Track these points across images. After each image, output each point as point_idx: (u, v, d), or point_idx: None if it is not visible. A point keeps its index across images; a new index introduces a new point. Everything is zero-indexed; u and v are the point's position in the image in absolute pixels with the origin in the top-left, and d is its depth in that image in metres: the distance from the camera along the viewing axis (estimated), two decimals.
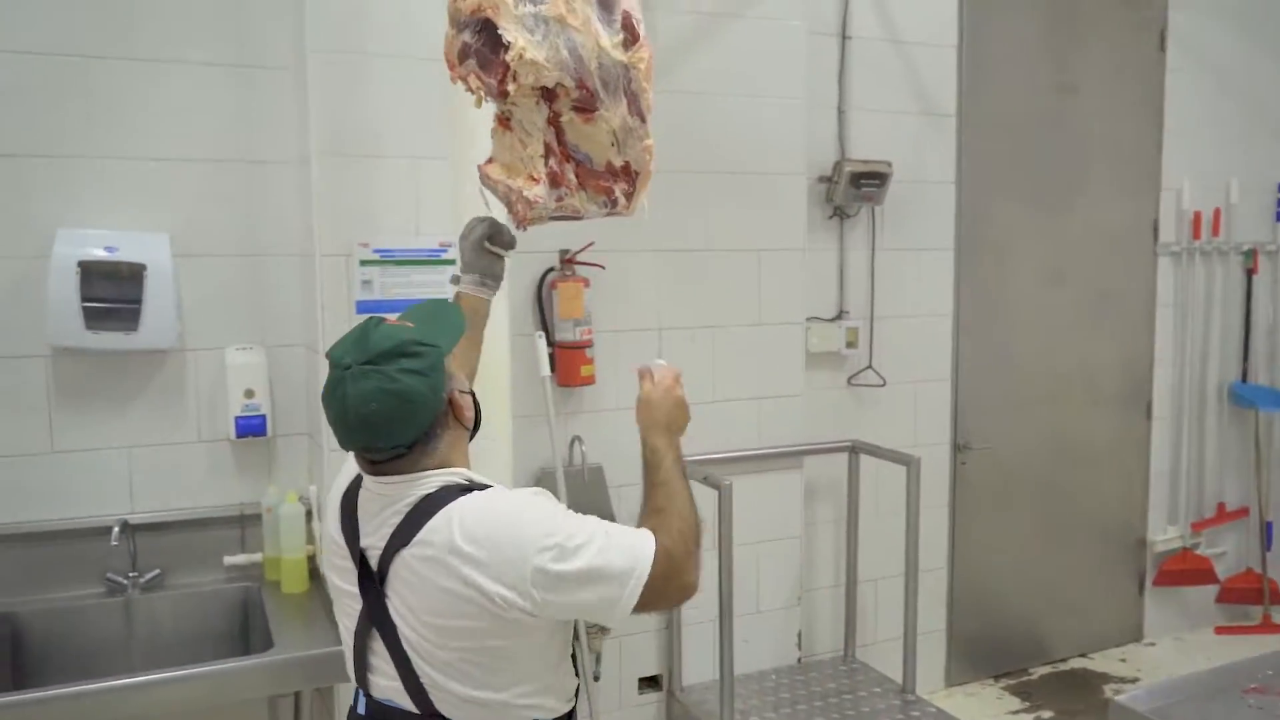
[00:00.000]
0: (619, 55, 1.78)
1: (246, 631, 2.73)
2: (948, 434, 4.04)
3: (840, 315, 3.75)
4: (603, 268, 3.18)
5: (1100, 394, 4.41)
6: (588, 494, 3.19)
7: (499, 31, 1.76)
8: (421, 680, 1.50)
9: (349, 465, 1.68)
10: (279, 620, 2.52)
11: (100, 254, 2.50)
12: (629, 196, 1.91)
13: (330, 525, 1.65)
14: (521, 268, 3.12)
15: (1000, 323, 4.13)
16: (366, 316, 1.65)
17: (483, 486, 1.57)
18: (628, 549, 1.48)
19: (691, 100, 3.29)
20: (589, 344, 3.14)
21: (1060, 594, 4.37)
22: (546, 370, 2.99)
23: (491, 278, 1.96)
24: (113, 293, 2.50)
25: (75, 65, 2.60)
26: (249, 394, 2.72)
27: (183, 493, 2.76)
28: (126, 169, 2.63)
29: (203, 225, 2.73)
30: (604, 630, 3.13)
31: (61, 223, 2.54)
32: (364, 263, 2.63)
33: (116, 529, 2.49)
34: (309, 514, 2.74)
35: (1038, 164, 4.13)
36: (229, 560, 2.77)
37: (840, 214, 3.71)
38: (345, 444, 1.54)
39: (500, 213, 2.02)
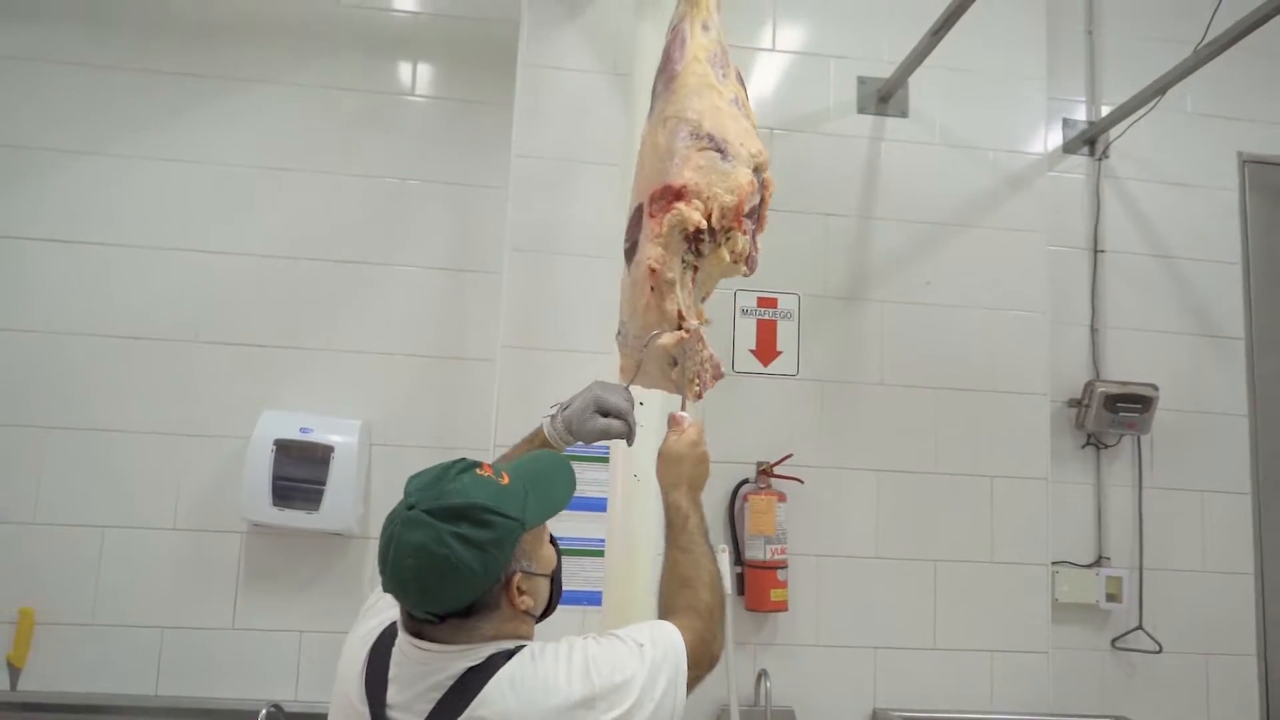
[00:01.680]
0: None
1: None
2: None
3: (1099, 561, 3.17)
4: (801, 481, 2.91)
5: None
6: None
7: (763, 215, 1.88)
8: None
9: (378, 606, 1.53)
10: None
11: (295, 434, 2.62)
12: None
13: (349, 683, 1.44)
14: (715, 478, 2.91)
15: None
16: (460, 460, 1.45)
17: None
18: (664, 655, 1.43)
19: (919, 312, 3.07)
20: (782, 565, 2.83)
21: None
22: (728, 589, 2.70)
23: (578, 443, 1.76)
24: (301, 472, 2.59)
25: (315, 267, 2.86)
26: None
27: None
28: (332, 360, 2.81)
29: (400, 416, 2.82)
30: None
31: (268, 405, 2.71)
32: None
33: (263, 713, 2.44)
34: None
35: None
36: None
37: (1096, 443, 3.22)
38: (383, 585, 1.39)
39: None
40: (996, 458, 3.05)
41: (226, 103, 2.91)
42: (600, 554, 2.43)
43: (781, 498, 2.87)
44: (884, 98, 3.14)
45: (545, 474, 1.52)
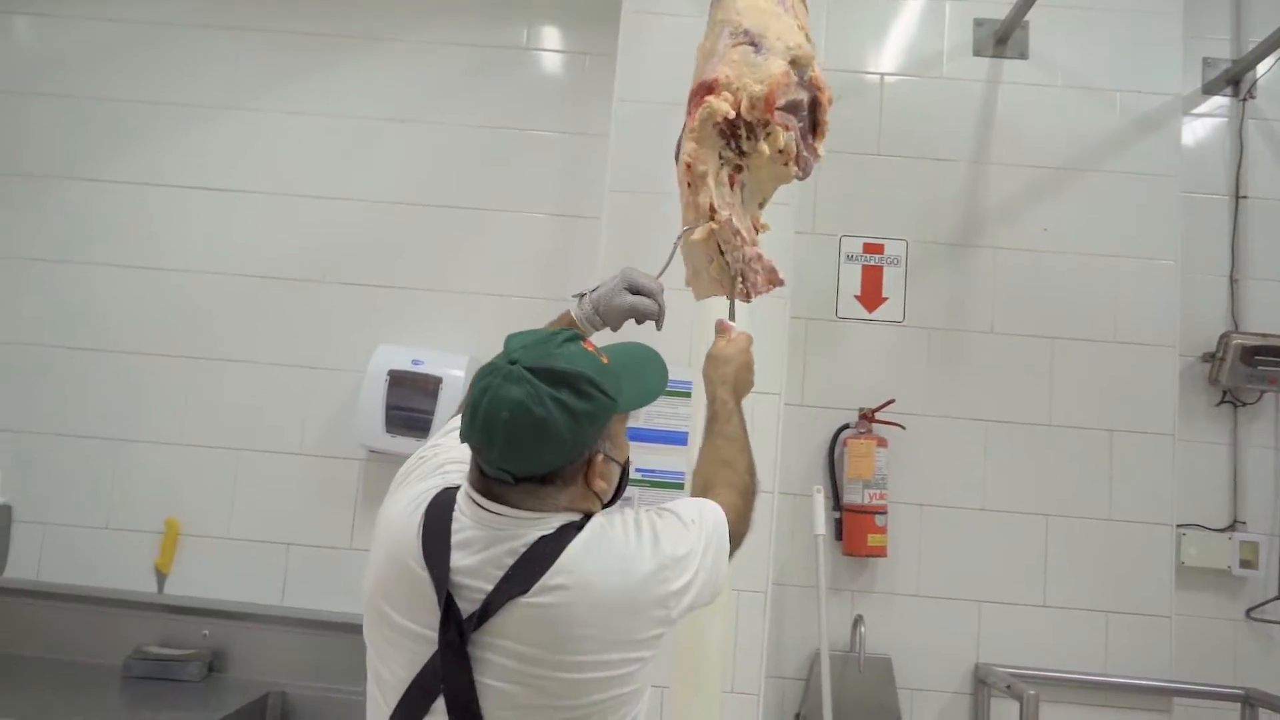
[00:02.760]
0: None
1: None
2: None
3: (1233, 526, 2.97)
4: (903, 427, 2.86)
5: None
6: (865, 689, 2.74)
7: (823, 121, 1.80)
8: None
9: (420, 472, 1.52)
10: None
11: (407, 366, 2.77)
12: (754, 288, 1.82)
13: (401, 547, 1.38)
14: (814, 422, 2.91)
15: None
16: (564, 330, 1.41)
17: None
18: (714, 529, 1.48)
19: (1034, 259, 2.96)
20: (881, 510, 2.79)
21: None
22: (821, 528, 2.69)
23: (605, 327, 1.77)
24: (412, 402, 2.74)
25: (430, 212, 3.02)
26: None
27: None
28: (442, 299, 2.95)
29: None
30: None
31: (384, 340, 2.88)
32: None
33: None
34: None
35: None
36: None
37: (1233, 400, 3.01)
38: (465, 434, 1.35)
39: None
40: (1118, 412, 2.91)
41: (352, 60, 3.10)
42: (680, 486, 2.46)
43: (882, 443, 2.82)
44: (1001, 39, 3.03)
45: (640, 363, 1.53)
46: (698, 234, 1.68)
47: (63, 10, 3.16)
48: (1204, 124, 3.15)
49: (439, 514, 1.39)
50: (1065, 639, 2.82)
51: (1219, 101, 3.16)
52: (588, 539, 1.35)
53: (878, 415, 2.86)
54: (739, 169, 1.68)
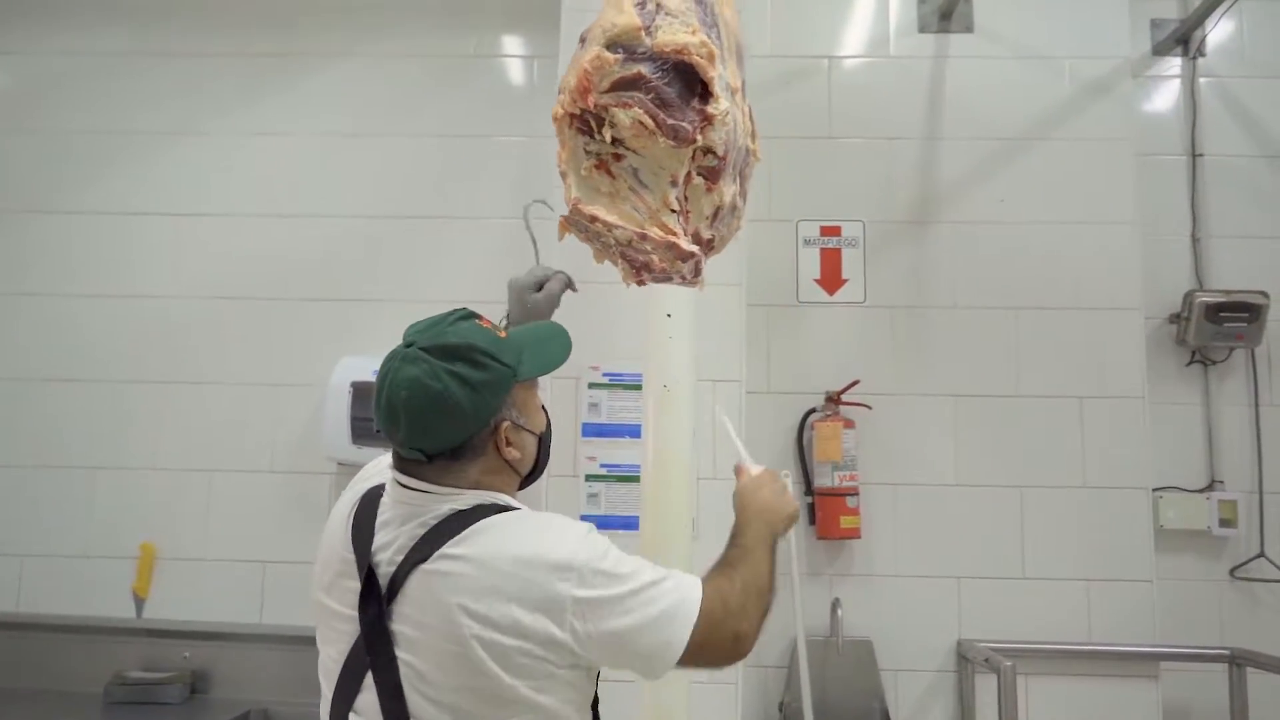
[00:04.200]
0: (747, 141, 1.72)
1: None
2: None
3: (1211, 486, 2.95)
4: (869, 408, 2.85)
5: None
6: (847, 673, 2.73)
7: (707, 80, 1.67)
8: None
9: (360, 480, 1.58)
10: None
11: (369, 377, 2.76)
12: (699, 271, 1.76)
13: (335, 539, 1.45)
14: (781, 408, 2.91)
15: None
16: (459, 309, 1.47)
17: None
18: (674, 587, 1.36)
19: (993, 231, 2.96)
20: (852, 492, 2.78)
21: None
22: (797, 518, 2.68)
23: None
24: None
25: (386, 224, 3.03)
26: None
27: None
28: (405, 309, 2.93)
29: None
30: None
31: (348, 353, 2.89)
32: (592, 385, 2.63)
33: None
34: None
35: None
36: None
37: (1203, 359, 2.99)
38: (376, 421, 1.40)
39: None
40: (1086, 378, 2.90)
41: (309, 78, 3.12)
42: (636, 479, 2.46)
43: (849, 424, 2.82)
44: (945, 14, 3.04)
45: (543, 335, 1.54)
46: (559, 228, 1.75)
47: (29, 47, 3.20)
48: (1156, 85, 3.15)
49: (369, 504, 1.45)
50: (1047, 610, 2.80)
51: (1170, 62, 3.16)
52: (505, 518, 1.36)
53: (843, 397, 2.85)
54: (616, 156, 1.68)
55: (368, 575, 1.36)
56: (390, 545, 1.37)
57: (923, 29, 3.07)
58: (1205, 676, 2.80)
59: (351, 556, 1.40)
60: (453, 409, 1.35)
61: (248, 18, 3.14)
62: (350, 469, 2.85)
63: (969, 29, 3.05)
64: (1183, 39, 3.13)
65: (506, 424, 1.41)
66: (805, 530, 2.82)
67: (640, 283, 1.80)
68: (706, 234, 1.75)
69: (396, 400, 1.34)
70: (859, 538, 2.80)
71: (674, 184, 1.72)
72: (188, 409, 2.97)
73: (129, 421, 2.97)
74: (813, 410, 2.89)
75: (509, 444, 1.42)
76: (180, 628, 2.83)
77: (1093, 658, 2.76)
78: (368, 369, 2.80)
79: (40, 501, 2.96)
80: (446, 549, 1.32)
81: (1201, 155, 3.08)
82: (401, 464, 1.42)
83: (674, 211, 1.78)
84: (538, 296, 1.86)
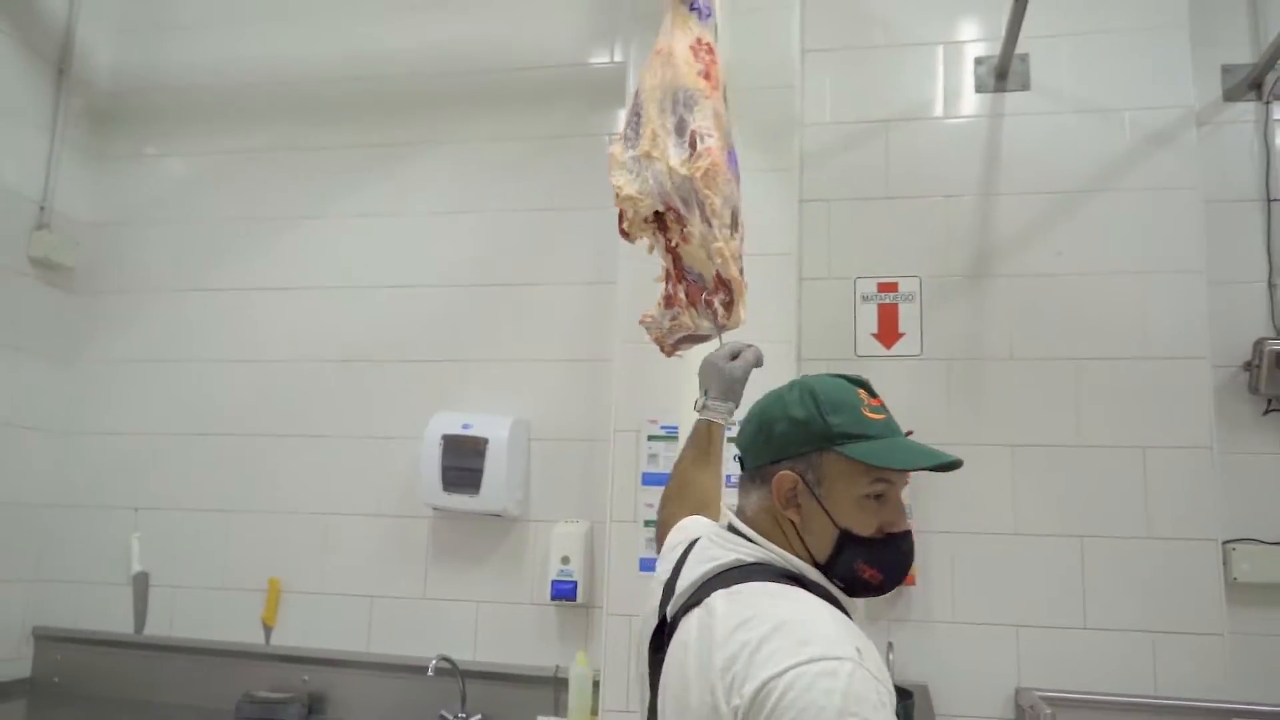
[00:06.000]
0: (684, 170, 1.87)
1: None
2: None
3: None
4: None
5: None
6: (905, 717, 2.80)
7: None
8: None
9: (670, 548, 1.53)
10: None
11: (458, 430, 3.09)
12: (727, 307, 1.93)
13: (646, 605, 1.45)
14: None
15: None
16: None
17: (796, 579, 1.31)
18: None
19: (1050, 283, 3.00)
20: None
21: None
22: None
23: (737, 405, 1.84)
24: (463, 462, 3.06)
25: (479, 291, 3.36)
26: (564, 560, 3.01)
27: (513, 648, 3.10)
28: (490, 368, 3.27)
29: (550, 413, 3.21)
30: None
31: (441, 409, 3.21)
32: (651, 437, 2.85)
33: (434, 662, 2.89)
34: (596, 683, 2.86)
35: None
36: (540, 719, 2.99)
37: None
38: None
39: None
40: (1151, 428, 2.88)
41: (412, 164, 3.50)
42: None
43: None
44: (1000, 74, 3.12)
45: (901, 441, 1.38)
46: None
47: (175, 150, 3.74)
48: (1228, 131, 3.10)
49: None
50: (1110, 661, 2.79)
51: (1243, 108, 3.12)
52: (752, 597, 1.26)
53: None
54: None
55: (661, 622, 1.38)
56: (683, 584, 1.36)
57: (980, 89, 3.16)
58: None
59: (658, 601, 1.42)
60: (762, 424, 1.38)
61: (358, 112, 3.56)
62: (443, 513, 3.20)
63: (1025, 87, 3.12)
64: (1255, 83, 3.09)
65: (796, 479, 1.33)
66: None
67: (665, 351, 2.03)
68: (711, 273, 1.95)
69: (755, 404, 1.44)
70: (914, 584, 2.89)
71: (664, 257, 1.97)
72: (307, 460, 3.37)
73: (256, 471, 3.41)
74: None
75: (794, 504, 1.34)
76: (300, 654, 3.22)
77: (1157, 711, 2.73)
78: (457, 423, 3.13)
79: (185, 541, 3.42)
80: (710, 602, 1.27)
81: (1276, 200, 3.02)
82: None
83: (665, 281, 2.03)
84: (734, 364, 1.85)
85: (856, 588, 1.34)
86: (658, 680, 1.33)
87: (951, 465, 1.36)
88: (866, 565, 1.32)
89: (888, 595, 2.89)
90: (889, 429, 1.37)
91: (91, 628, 3.41)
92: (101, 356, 3.63)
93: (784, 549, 1.34)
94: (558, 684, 3.01)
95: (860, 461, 1.30)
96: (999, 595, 2.89)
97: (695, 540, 1.45)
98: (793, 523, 1.34)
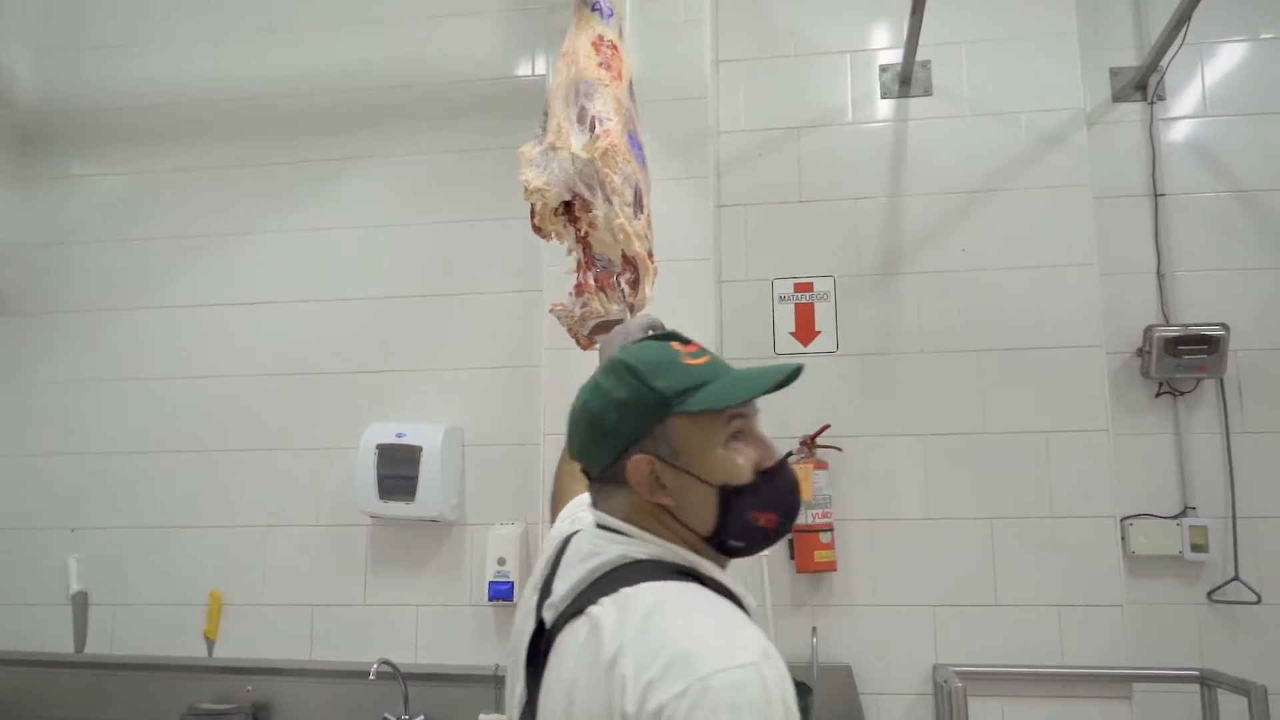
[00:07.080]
0: (584, 154, 1.97)
1: None
2: None
3: (1184, 512, 3.06)
4: (839, 449, 3.08)
5: None
6: (828, 696, 2.94)
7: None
8: None
9: (550, 539, 1.47)
10: None
11: (391, 439, 3.16)
12: (633, 285, 2.01)
13: (524, 605, 1.37)
14: None
15: None
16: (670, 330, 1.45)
17: (687, 573, 1.22)
18: None
19: (955, 279, 3.16)
20: (825, 528, 3.01)
21: None
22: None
23: None
24: (398, 470, 3.13)
25: (410, 303, 3.43)
26: (501, 561, 3.10)
27: (453, 650, 3.17)
28: (424, 377, 3.34)
29: (483, 419, 3.29)
30: None
31: (375, 418, 3.28)
32: None
33: (375, 665, 2.96)
34: None
35: None
36: (482, 718, 3.07)
37: (1171, 391, 3.12)
38: None
39: None
40: (1051, 414, 3.06)
41: (348, 179, 3.53)
42: None
43: (820, 465, 3.05)
44: (904, 80, 3.27)
45: (752, 371, 1.30)
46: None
47: (104, 169, 3.73)
48: (1117, 131, 3.30)
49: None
50: (1020, 635, 2.96)
51: (1131, 108, 3.31)
52: (651, 591, 1.17)
53: (816, 440, 3.09)
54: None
55: (538, 628, 1.28)
56: (560, 590, 1.26)
57: (885, 95, 3.31)
58: (1182, 698, 2.90)
59: (533, 606, 1.32)
60: (592, 422, 1.28)
61: (288, 130, 3.59)
62: (381, 521, 3.26)
63: (928, 92, 3.28)
64: (1141, 85, 3.28)
65: (643, 458, 1.25)
66: (787, 564, 3.06)
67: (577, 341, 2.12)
68: (618, 254, 2.03)
69: (573, 407, 1.34)
70: (836, 570, 3.03)
71: (575, 247, 2.08)
72: (246, 473, 3.40)
73: (196, 486, 3.43)
74: (789, 454, 3.13)
75: (660, 485, 1.25)
76: (243, 665, 3.25)
77: (1065, 680, 2.90)
78: (391, 432, 3.19)
79: (125, 558, 3.43)
80: (594, 611, 1.17)
81: (1163, 195, 3.22)
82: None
83: (576, 271, 2.12)
84: (629, 324, 1.84)
85: (757, 539, 1.27)
86: (536, 692, 1.23)
87: (792, 376, 1.28)
88: (759, 511, 1.25)
89: (811, 582, 3.07)
90: (716, 369, 1.29)
91: (31, 649, 3.42)
92: (33, 379, 3.63)
93: (668, 540, 1.25)
94: (498, 682, 3.09)
95: (706, 410, 1.24)
96: (916, 577, 3.04)
97: (574, 534, 1.35)
98: (666, 507, 1.25)
